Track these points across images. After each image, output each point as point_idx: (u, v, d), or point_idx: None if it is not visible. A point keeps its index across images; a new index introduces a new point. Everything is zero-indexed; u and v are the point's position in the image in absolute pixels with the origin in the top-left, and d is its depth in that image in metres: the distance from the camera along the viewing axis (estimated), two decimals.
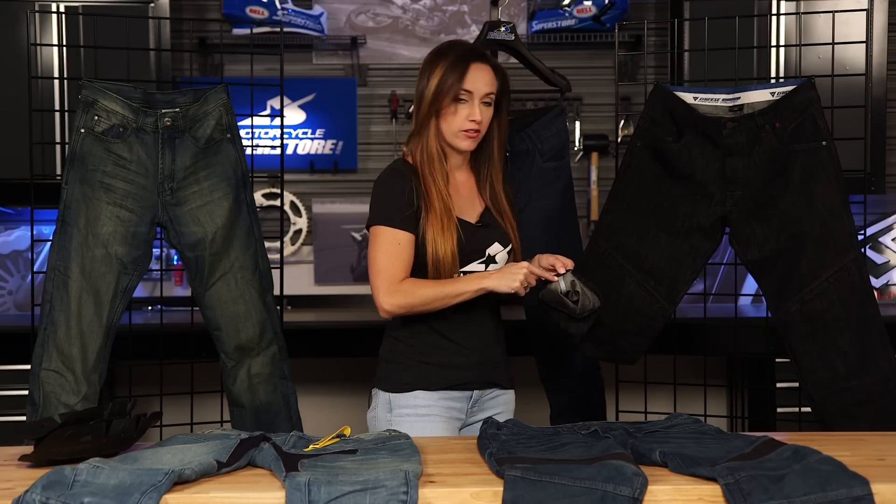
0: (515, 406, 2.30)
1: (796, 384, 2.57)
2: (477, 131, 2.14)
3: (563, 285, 2.10)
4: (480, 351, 2.19)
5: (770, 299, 2.43)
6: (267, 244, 2.66)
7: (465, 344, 2.17)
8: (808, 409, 2.48)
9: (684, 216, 2.46)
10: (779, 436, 1.86)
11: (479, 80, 2.13)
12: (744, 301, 3.91)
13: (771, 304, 2.43)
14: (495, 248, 2.19)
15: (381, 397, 2.17)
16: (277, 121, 3.78)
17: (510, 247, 2.22)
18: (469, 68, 2.12)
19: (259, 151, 3.90)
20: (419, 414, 2.12)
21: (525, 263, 2.09)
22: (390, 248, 2.10)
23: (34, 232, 2.79)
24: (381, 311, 2.10)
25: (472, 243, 2.15)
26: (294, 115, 4.01)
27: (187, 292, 3.35)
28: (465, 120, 2.13)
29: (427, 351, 2.15)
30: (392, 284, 2.08)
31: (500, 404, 2.23)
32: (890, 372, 2.33)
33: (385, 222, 2.11)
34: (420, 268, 2.12)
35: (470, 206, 2.21)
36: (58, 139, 3.50)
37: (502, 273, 2.08)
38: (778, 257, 2.39)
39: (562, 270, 2.10)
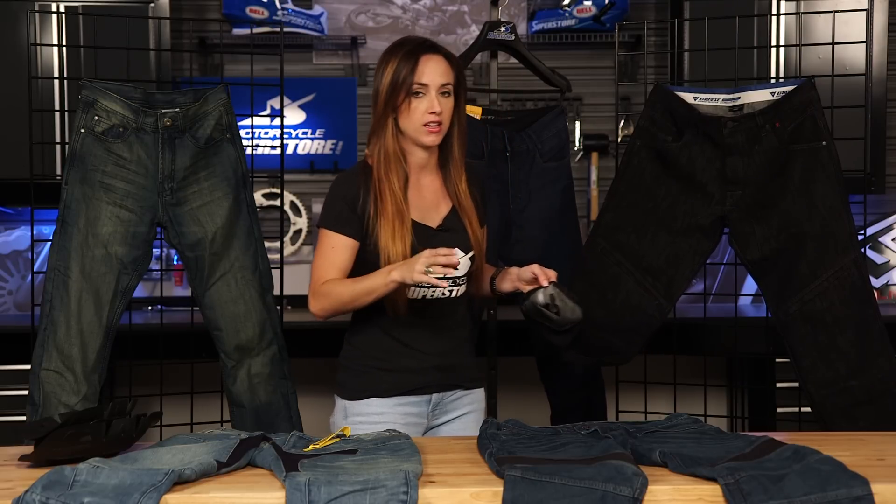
0: (515, 406, 2.28)
1: (796, 384, 2.57)
2: (439, 123, 2.06)
3: (541, 297, 2.05)
4: (439, 354, 2.13)
5: (770, 299, 2.43)
6: (267, 244, 2.66)
7: (422, 347, 2.11)
8: (808, 409, 2.48)
9: (683, 215, 2.45)
10: (779, 436, 1.86)
11: (434, 71, 2.06)
12: (744, 301, 3.91)
13: (771, 304, 2.43)
14: (461, 258, 2.07)
15: (338, 404, 2.14)
16: (277, 121, 3.78)
17: (472, 253, 2.11)
18: (420, 60, 2.05)
19: (259, 151, 3.90)
20: (373, 422, 2.06)
21: (426, 252, 1.93)
22: (325, 251, 2.08)
23: (34, 232, 2.79)
24: (312, 312, 2.09)
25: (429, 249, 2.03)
26: (294, 115, 4.01)
27: (187, 292, 3.35)
28: (425, 114, 2.05)
29: (381, 356, 2.11)
30: (317, 287, 2.06)
31: (466, 405, 2.18)
32: (890, 372, 2.34)
33: (325, 225, 2.09)
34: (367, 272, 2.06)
35: (433, 210, 2.13)
36: (58, 139, 3.50)
37: (406, 263, 1.96)
38: (778, 257, 2.39)
39: (544, 283, 2.04)
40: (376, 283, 2.00)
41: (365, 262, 2.08)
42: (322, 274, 2.07)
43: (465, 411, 2.17)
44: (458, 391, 2.17)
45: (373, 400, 2.09)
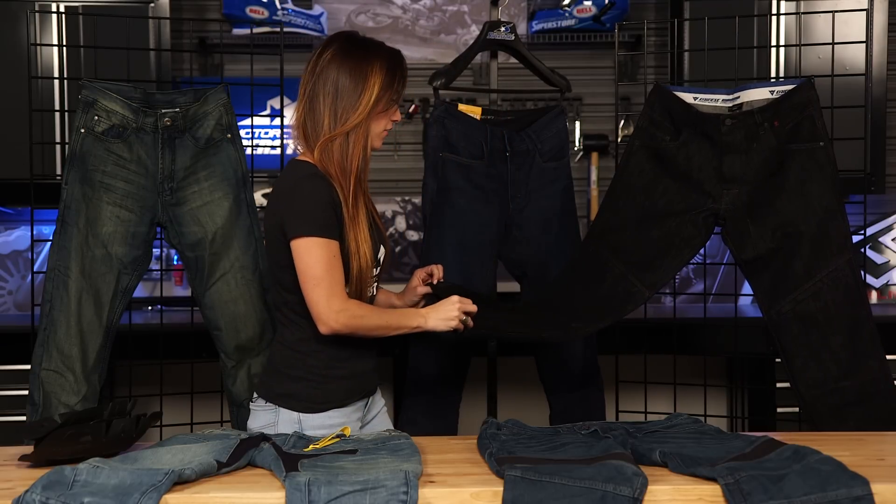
0: (515, 406, 2.28)
1: None
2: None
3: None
4: (372, 354, 2.12)
5: (761, 298, 2.42)
6: None
7: (364, 348, 2.08)
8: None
9: (678, 213, 2.45)
10: (779, 436, 1.86)
11: None
12: (744, 301, 3.92)
13: (762, 303, 2.42)
14: (381, 251, 2.11)
15: (283, 415, 2.01)
16: (277, 121, 3.78)
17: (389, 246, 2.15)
18: (406, 70, 2.08)
19: (259, 151, 3.90)
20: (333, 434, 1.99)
21: (455, 301, 2.04)
22: (330, 260, 1.95)
23: (34, 232, 2.79)
24: (325, 327, 1.94)
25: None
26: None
27: (187, 292, 3.35)
28: (390, 121, 2.07)
29: (333, 364, 2.03)
30: (339, 301, 1.94)
31: (378, 402, 2.18)
32: (880, 373, 2.34)
33: (320, 233, 1.95)
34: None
35: None
36: (58, 139, 3.50)
37: (437, 314, 2.03)
38: (772, 256, 2.39)
39: (435, 280, 2.17)
40: (406, 325, 2.03)
41: None
42: (338, 287, 1.96)
43: (381, 407, 2.18)
44: (377, 389, 2.19)
45: (334, 412, 2.03)
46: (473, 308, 2.06)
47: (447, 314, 2.04)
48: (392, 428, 2.10)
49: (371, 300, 2.10)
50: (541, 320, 2.38)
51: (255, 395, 2.10)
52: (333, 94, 2.02)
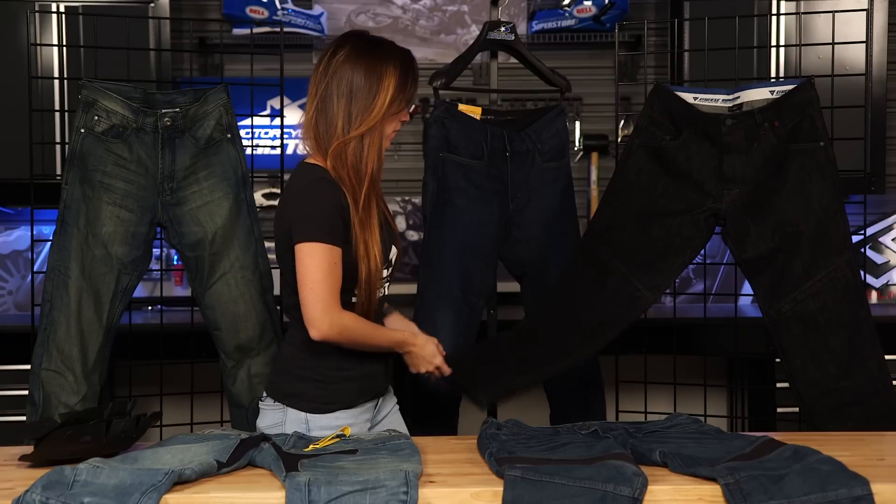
0: (515, 406, 2.29)
1: None
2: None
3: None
4: (385, 356, 2.11)
5: (762, 298, 2.42)
6: (267, 244, 2.66)
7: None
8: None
9: (678, 213, 2.45)
10: (779, 436, 1.86)
11: None
12: (744, 301, 3.92)
13: (763, 303, 2.42)
14: (393, 252, 2.10)
15: (291, 415, 2.01)
16: (277, 121, 3.78)
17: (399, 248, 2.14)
18: (418, 71, 2.07)
19: (259, 151, 3.90)
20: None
21: (440, 360, 2.15)
22: (330, 267, 1.93)
23: (34, 232, 2.80)
24: (316, 332, 1.93)
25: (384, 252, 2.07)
26: (294, 115, 4.00)
27: (187, 292, 3.35)
28: (399, 122, 2.06)
29: (341, 365, 2.02)
30: (333, 309, 1.93)
31: (389, 403, 2.18)
32: (879, 373, 2.34)
33: (323, 238, 1.94)
34: (349, 279, 1.99)
35: None
36: (58, 139, 3.50)
37: (421, 351, 2.12)
38: (772, 256, 2.39)
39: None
40: (391, 344, 2.08)
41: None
42: (332, 296, 1.94)
43: (391, 407, 2.18)
44: (389, 388, 2.19)
45: (341, 412, 2.02)
46: (446, 370, 2.18)
47: (426, 363, 2.14)
48: (404, 429, 2.11)
49: (381, 301, 2.10)
50: (543, 356, 2.41)
51: (264, 394, 2.10)
52: (348, 95, 1.99)
